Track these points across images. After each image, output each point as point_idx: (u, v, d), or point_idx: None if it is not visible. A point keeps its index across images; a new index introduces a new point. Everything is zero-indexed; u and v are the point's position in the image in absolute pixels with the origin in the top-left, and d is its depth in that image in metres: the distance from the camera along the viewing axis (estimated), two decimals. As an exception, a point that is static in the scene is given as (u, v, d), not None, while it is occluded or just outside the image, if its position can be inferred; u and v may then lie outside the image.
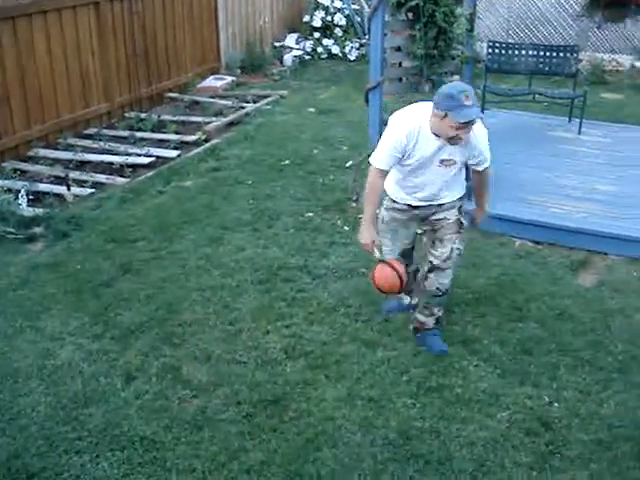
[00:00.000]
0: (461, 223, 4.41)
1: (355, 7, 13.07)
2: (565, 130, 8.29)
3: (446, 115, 3.86)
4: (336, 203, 6.60)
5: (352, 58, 12.64)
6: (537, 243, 5.92)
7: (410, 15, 10.29)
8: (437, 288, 4.44)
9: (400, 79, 10.76)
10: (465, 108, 3.81)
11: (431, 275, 4.43)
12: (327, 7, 13.02)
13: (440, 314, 4.59)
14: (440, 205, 4.38)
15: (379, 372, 4.30)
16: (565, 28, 12.79)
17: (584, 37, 12.54)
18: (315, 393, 4.12)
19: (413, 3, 10.03)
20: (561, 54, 8.49)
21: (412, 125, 4.07)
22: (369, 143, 6.42)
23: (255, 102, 10.01)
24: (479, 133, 4.15)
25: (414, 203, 4.41)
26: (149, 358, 4.42)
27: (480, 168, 4.32)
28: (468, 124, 3.89)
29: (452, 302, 4.96)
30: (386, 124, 6.31)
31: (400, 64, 10.70)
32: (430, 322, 4.57)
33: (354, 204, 6.52)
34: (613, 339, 4.67)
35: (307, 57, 12.75)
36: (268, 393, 4.11)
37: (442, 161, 4.16)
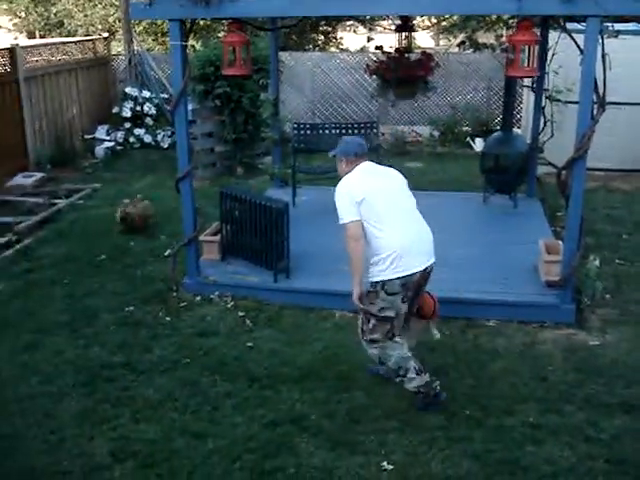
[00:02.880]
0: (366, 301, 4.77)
1: (164, 96, 13.21)
2: (373, 201, 8.68)
3: None
4: (156, 294, 6.53)
5: (165, 146, 12.69)
6: (356, 312, 6.11)
7: (218, 102, 10.64)
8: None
9: (214, 164, 11.01)
10: None
11: None
12: (136, 97, 13.08)
13: (405, 384, 4.77)
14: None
15: (211, 463, 4.25)
16: (366, 105, 13.59)
17: (384, 112, 13.38)
18: (147, 494, 4.01)
19: (220, 91, 10.39)
20: (362, 130, 8.99)
21: None
22: (185, 231, 6.46)
23: (67, 197, 9.79)
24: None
25: None
26: (-36, 483, 4.14)
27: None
28: None
29: (279, 381, 5.04)
30: (198, 212, 6.46)
31: (212, 149, 10.95)
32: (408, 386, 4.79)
33: (175, 294, 6.48)
34: (433, 398, 4.89)
35: (119, 148, 12.66)
36: (97, 501, 3.96)
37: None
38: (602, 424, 4.61)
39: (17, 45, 11.24)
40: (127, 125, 12.99)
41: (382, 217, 4.58)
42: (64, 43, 13.21)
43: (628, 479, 4.10)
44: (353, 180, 4.70)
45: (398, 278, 4.57)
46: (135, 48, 13.58)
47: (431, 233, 4.80)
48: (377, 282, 4.61)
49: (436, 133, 13.14)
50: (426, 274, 4.75)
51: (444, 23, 18.82)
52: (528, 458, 4.30)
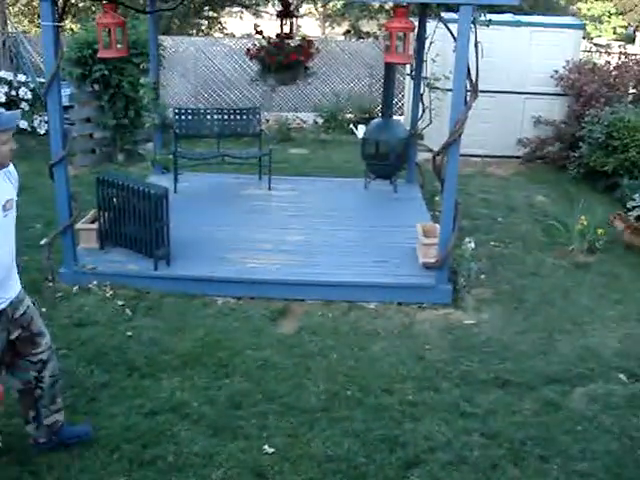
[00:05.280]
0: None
1: (41, 80, 12.72)
2: (256, 187, 8.69)
3: None
4: (31, 284, 6.24)
5: (42, 132, 12.16)
6: (239, 299, 6.11)
7: (96, 86, 10.32)
8: (54, 375, 4.06)
9: (93, 150, 10.68)
10: None
11: (47, 370, 4.00)
12: (10, 81, 12.52)
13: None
14: (19, 299, 3.82)
15: (89, 456, 4.13)
16: (250, 91, 13.54)
17: (268, 98, 13.37)
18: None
19: (98, 75, 10.08)
20: (244, 116, 8.95)
21: None
22: (59, 219, 6.26)
23: None
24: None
25: None
26: None
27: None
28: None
29: (159, 369, 4.97)
30: (74, 199, 6.27)
31: (92, 135, 10.62)
32: (62, 415, 4.18)
33: (50, 284, 6.26)
34: (314, 380, 4.95)
35: (-7, 134, 12.10)
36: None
37: (4, 206, 3.60)
38: (477, 399, 4.79)
39: None
40: (1, 110, 12.43)
41: None
42: None
43: (502, 451, 4.27)
44: None
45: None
46: (10, 30, 13.03)
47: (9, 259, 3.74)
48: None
49: (320, 120, 13.24)
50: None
51: (328, 11, 18.99)
52: (407, 435, 4.41)
